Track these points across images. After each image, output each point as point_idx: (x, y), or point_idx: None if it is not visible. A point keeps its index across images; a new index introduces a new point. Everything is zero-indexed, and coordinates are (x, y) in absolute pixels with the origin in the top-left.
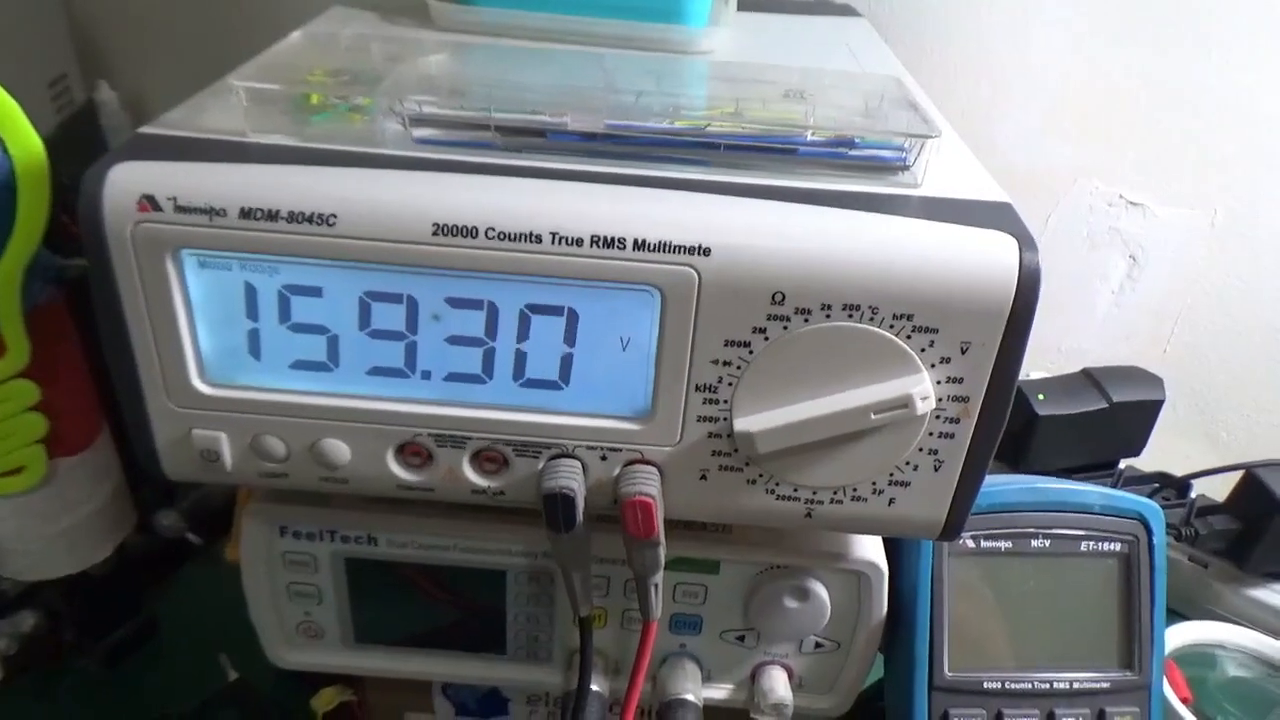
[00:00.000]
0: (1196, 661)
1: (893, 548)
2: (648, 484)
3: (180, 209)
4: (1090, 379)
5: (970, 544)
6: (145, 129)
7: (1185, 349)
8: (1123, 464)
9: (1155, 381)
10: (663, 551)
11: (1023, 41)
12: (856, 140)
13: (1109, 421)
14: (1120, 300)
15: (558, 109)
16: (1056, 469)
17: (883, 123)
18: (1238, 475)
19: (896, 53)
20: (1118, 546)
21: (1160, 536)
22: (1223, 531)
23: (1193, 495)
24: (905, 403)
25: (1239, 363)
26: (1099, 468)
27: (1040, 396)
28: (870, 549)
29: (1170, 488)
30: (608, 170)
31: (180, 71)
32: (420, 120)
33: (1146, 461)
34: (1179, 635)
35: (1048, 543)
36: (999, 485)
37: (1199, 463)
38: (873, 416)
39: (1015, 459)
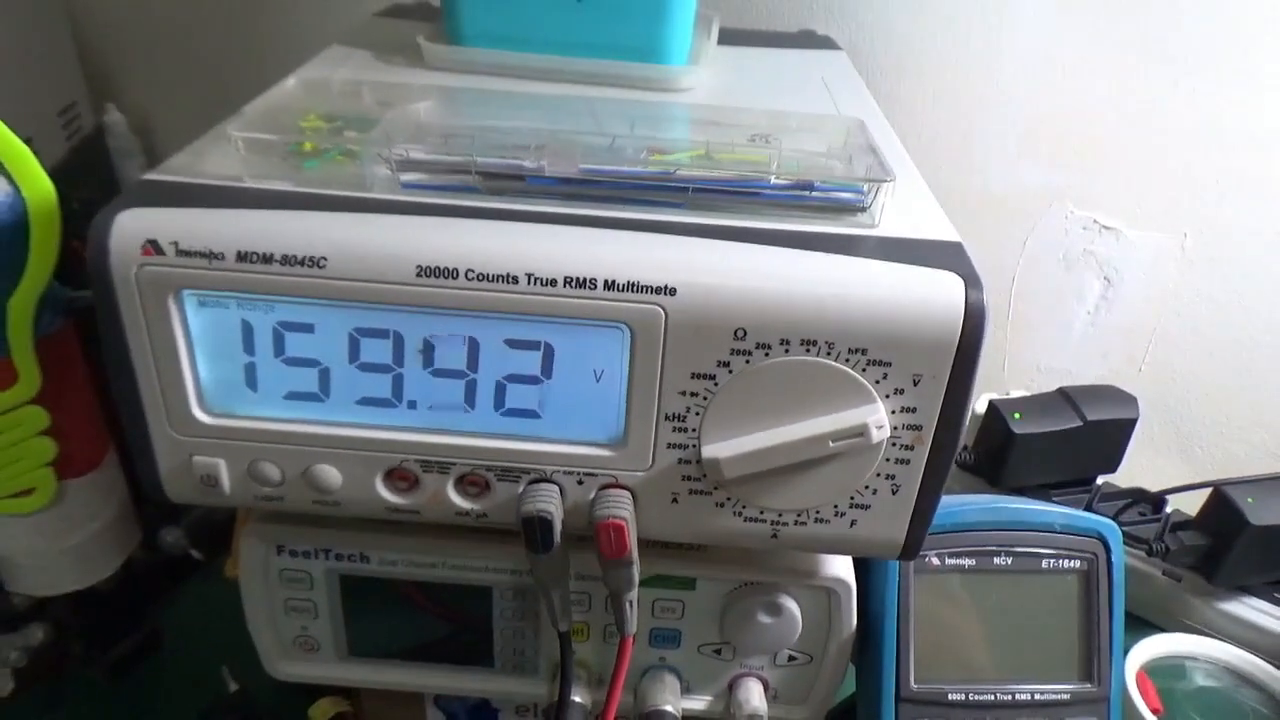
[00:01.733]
0: (1167, 673)
1: (862, 565)
2: (620, 507)
3: (181, 253)
4: (1066, 398)
5: (935, 561)
6: (150, 175)
7: (1159, 367)
8: (1100, 480)
9: (1129, 400)
10: (636, 571)
11: (997, 70)
12: (816, 184)
13: (1084, 439)
14: (1096, 320)
15: (536, 154)
16: (1034, 485)
17: (842, 167)
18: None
19: (876, 80)
20: (1078, 564)
21: (1119, 555)
22: (1193, 547)
23: (1167, 510)
24: (862, 431)
25: (1211, 381)
26: (1076, 484)
27: (1017, 415)
28: (839, 566)
29: (1145, 503)
30: (581, 213)
31: (186, 92)
32: (407, 165)
33: (1123, 477)
34: (1151, 648)
35: (1010, 560)
36: (963, 505)
37: (1174, 478)
38: (831, 444)
39: (993, 476)
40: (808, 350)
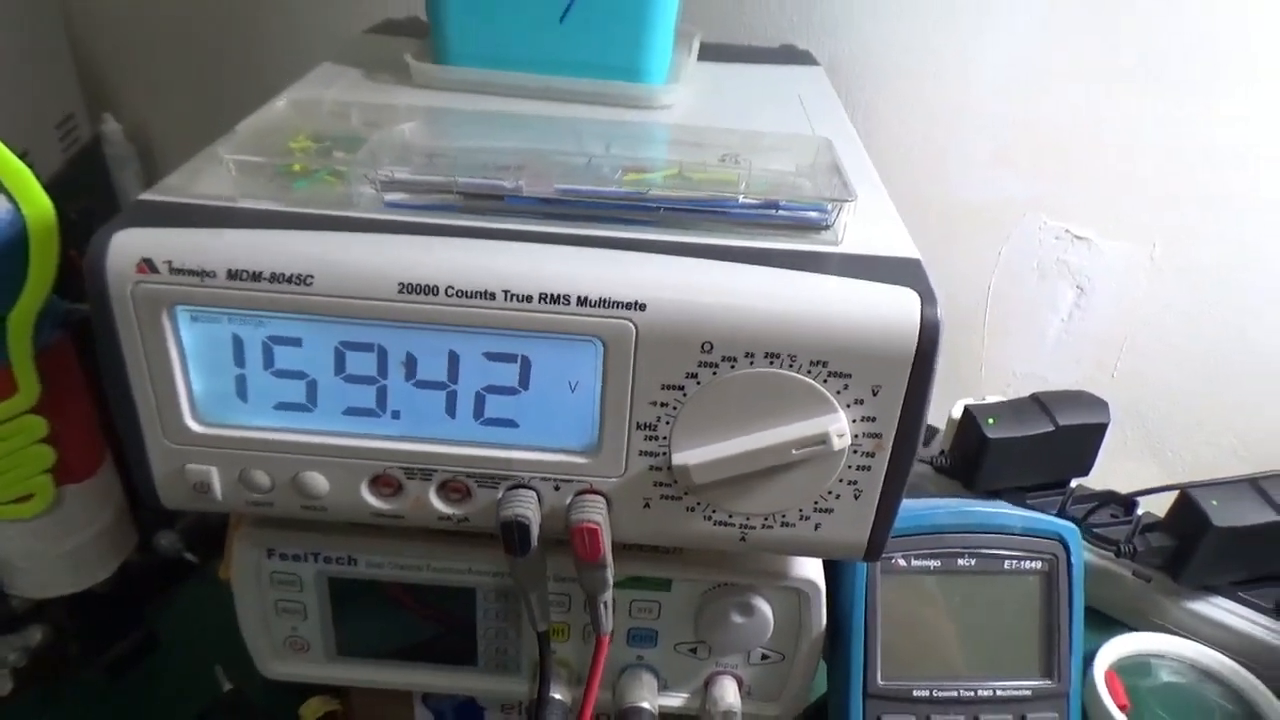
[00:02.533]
0: (1134, 671)
1: (831, 566)
2: (595, 512)
3: (175, 271)
4: (1039, 403)
5: (902, 563)
6: (145, 195)
7: (1131, 373)
8: (1074, 483)
9: (1100, 405)
10: (610, 573)
11: (971, 83)
12: (782, 203)
13: (1056, 443)
14: (1070, 328)
15: (515, 174)
16: (1009, 488)
17: (810, 186)
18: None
19: (856, 93)
20: (1038, 565)
21: (1078, 556)
22: (1160, 548)
23: (1139, 513)
24: (824, 439)
25: (1181, 386)
26: (1050, 486)
27: (990, 421)
28: (809, 568)
29: (1118, 505)
30: (557, 231)
31: (183, 99)
32: (391, 185)
33: (1097, 480)
34: (1119, 647)
35: (973, 561)
36: (929, 508)
37: (1147, 481)
38: (795, 452)
39: (969, 479)
40: (771, 363)
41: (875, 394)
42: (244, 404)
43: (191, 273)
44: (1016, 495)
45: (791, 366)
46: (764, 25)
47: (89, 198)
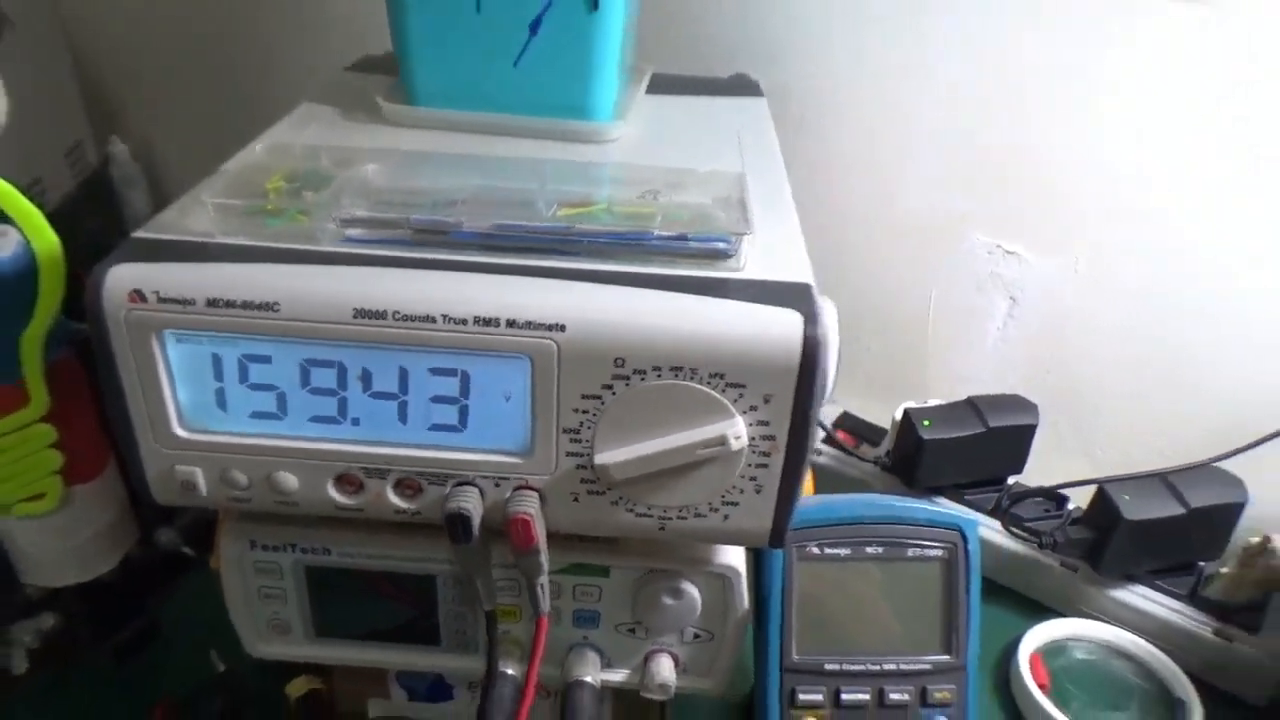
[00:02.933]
0: (1055, 653)
1: (754, 553)
2: (528, 505)
3: (161, 300)
4: (973, 406)
5: (816, 550)
6: (137, 233)
7: (1063, 378)
8: (1011, 480)
9: (1030, 408)
10: (544, 559)
11: (913, 111)
12: (690, 235)
13: (988, 444)
14: (1005, 336)
15: (460, 210)
16: (949, 485)
17: (719, 219)
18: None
19: (808, 116)
20: (939, 552)
21: (975, 544)
22: (1080, 540)
23: (1069, 507)
24: (723, 441)
25: (1110, 390)
26: (988, 483)
27: (926, 423)
28: (731, 555)
29: (1050, 500)
30: (493, 261)
31: (184, 118)
32: (351, 222)
33: (1037, 477)
34: (1042, 632)
35: (880, 549)
36: (841, 502)
37: (1079, 478)
38: (699, 452)
39: (908, 477)
40: (676, 375)
41: (767, 401)
42: (223, 413)
43: (175, 301)
44: (954, 493)
45: (693, 378)
46: (718, 54)
47: (100, 216)
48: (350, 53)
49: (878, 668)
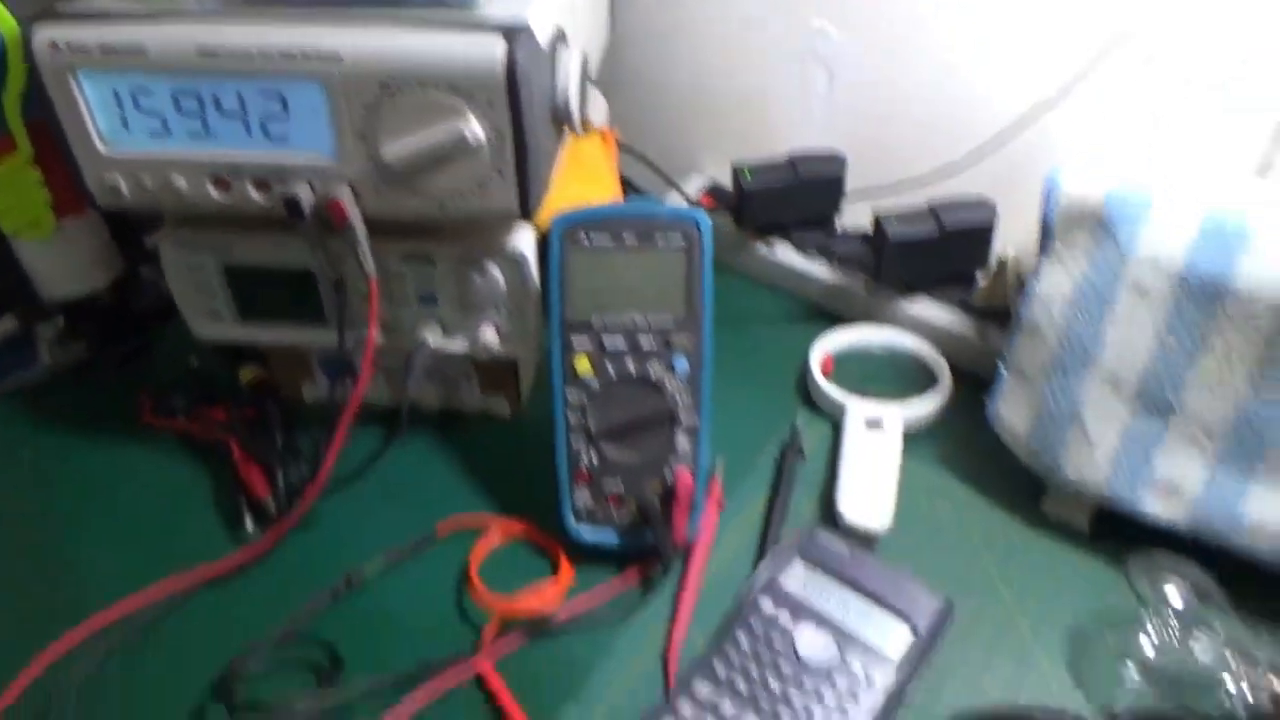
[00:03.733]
0: (842, 350)
1: (541, 245)
2: (340, 193)
3: (70, 48)
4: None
5: (585, 240)
6: (58, 5)
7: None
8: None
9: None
10: (360, 234)
11: None
12: None
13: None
14: (829, 104)
15: None
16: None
17: None
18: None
19: None
20: (681, 241)
21: (708, 235)
22: (864, 261)
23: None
24: (463, 135)
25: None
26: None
27: (747, 175)
28: (522, 243)
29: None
30: (297, 10)
31: None
32: None
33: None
34: (836, 336)
35: (636, 239)
36: (605, 205)
37: None
38: (447, 145)
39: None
40: (424, 89)
41: (492, 106)
42: (128, 133)
43: (79, 50)
44: (784, 231)
45: (438, 90)
46: None
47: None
48: None
49: (631, 323)
